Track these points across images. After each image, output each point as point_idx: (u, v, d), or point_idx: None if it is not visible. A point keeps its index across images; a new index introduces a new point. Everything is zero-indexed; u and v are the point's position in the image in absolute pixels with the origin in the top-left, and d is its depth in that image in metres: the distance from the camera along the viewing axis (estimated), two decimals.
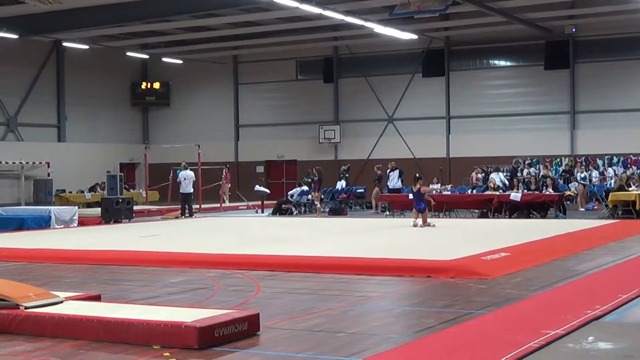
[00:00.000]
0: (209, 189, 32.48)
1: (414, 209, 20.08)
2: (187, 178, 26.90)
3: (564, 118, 33.30)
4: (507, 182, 26.57)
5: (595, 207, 27.14)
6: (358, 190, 30.39)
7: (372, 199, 29.34)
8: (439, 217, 24.42)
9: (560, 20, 31.87)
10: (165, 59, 38.27)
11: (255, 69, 39.04)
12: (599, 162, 31.36)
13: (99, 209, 25.88)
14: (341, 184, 30.17)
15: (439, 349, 6.91)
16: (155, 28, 33.09)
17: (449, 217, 24.71)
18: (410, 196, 25.28)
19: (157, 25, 32.37)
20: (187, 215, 26.69)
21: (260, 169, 38.63)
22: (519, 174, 29.29)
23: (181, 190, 27.10)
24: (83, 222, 24.00)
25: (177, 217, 26.60)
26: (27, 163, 33.82)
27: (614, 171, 30.13)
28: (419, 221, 19.63)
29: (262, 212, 29.52)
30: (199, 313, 7.70)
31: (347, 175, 30.78)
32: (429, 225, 19.58)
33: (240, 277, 11.87)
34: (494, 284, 10.63)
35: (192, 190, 27.22)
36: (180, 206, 27.25)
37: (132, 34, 34.50)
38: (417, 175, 20.86)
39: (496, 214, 24.24)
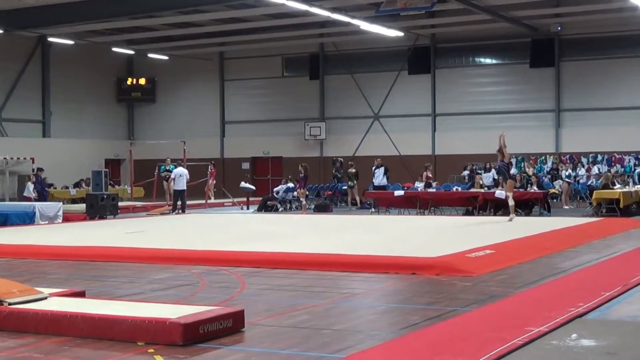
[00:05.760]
0: (194, 185, 32.37)
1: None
2: (182, 175, 26.91)
3: (549, 116, 33.42)
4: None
5: None
6: (343, 187, 30.43)
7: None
8: (424, 214, 24.46)
9: (546, 18, 32.00)
10: (151, 55, 38.18)
11: (241, 66, 38.97)
12: (584, 160, 31.50)
13: (84, 205, 25.77)
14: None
15: (423, 346, 6.93)
16: (141, 24, 33.01)
17: (434, 215, 24.76)
18: (398, 194, 25.44)
19: (143, 21, 32.29)
20: (179, 211, 26.63)
21: (245, 166, 38.59)
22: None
23: (174, 187, 27.07)
24: (68, 218, 23.91)
25: (167, 213, 26.59)
26: (11, 159, 33.60)
27: (599, 169, 30.27)
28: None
29: (248, 208, 29.51)
30: (183, 309, 7.69)
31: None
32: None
33: (225, 274, 11.86)
34: (479, 281, 10.66)
35: (185, 188, 27.17)
36: (172, 202, 27.24)
37: (117, 29, 34.37)
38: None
39: (481, 211, 24.31)
